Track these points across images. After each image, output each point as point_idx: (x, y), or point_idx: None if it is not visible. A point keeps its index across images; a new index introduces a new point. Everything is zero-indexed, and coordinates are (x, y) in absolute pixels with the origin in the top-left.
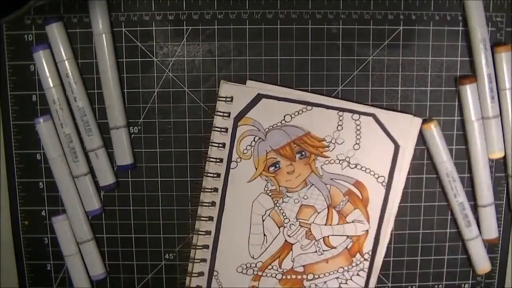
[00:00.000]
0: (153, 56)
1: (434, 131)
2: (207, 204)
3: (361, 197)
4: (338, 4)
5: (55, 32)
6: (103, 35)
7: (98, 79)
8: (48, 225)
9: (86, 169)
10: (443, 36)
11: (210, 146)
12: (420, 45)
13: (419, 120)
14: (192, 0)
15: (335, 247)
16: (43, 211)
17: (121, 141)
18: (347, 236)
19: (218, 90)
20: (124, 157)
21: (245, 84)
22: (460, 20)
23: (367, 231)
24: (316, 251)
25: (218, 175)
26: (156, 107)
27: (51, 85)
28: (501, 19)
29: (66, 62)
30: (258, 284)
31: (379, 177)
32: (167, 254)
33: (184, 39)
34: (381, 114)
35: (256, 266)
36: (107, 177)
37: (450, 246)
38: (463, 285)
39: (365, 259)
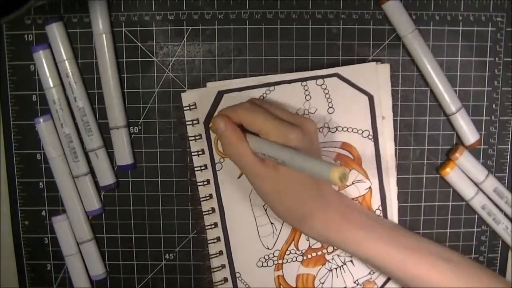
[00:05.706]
0: (153, 56)
1: None
2: (207, 212)
3: (352, 157)
4: (338, 4)
5: (55, 32)
6: (103, 35)
7: (98, 79)
8: (48, 225)
9: (86, 169)
10: (443, 36)
11: (193, 156)
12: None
13: (386, 66)
14: (192, 0)
15: None
16: (43, 211)
17: (121, 141)
18: (352, 199)
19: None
20: (124, 157)
21: (205, 86)
22: (460, 20)
23: (370, 188)
24: None
25: (208, 181)
26: (156, 107)
27: (51, 85)
28: (501, 19)
29: (66, 62)
30: (282, 272)
31: (363, 132)
32: (167, 254)
33: (184, 39)
34: (344, 70)
35: (274, 255)
36: (107, 177)
37: (450, 246)
38: None
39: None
